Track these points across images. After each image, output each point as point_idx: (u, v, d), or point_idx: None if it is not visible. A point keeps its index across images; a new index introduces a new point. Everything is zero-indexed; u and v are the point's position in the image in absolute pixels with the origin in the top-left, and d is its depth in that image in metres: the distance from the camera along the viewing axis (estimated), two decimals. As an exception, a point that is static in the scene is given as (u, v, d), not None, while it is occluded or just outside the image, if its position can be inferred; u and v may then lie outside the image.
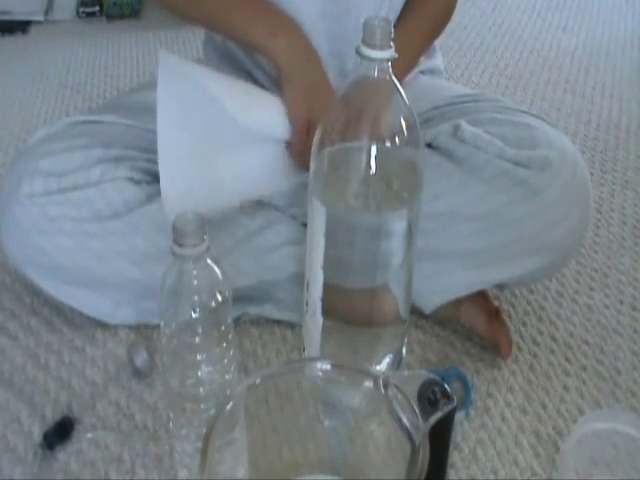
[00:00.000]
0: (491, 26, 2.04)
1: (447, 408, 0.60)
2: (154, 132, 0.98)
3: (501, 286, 0.98)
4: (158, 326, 0.69)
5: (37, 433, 0.83)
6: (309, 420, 0.72)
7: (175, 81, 0.81)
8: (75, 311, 0.98)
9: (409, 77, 1.05)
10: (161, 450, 0.82)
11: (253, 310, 0.98)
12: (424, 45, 1.04)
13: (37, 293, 1.02)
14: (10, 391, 0.89)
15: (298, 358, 0.91)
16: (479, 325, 0.95)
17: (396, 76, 0.69)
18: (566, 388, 0.92)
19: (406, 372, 0.85)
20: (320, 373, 0.68)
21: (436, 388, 0.60)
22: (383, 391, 0.62)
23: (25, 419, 0.86)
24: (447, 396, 0.60)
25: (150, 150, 0.97)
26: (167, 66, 0.80)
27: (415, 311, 0.91)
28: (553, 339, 0.99)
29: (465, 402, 0.87)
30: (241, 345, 0.96)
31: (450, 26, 1.05)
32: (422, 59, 1.09)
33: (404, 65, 0.95)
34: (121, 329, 0.98)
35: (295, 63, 0.86)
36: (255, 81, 1.07)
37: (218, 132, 0.82)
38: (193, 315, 0.66)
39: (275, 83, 1.05)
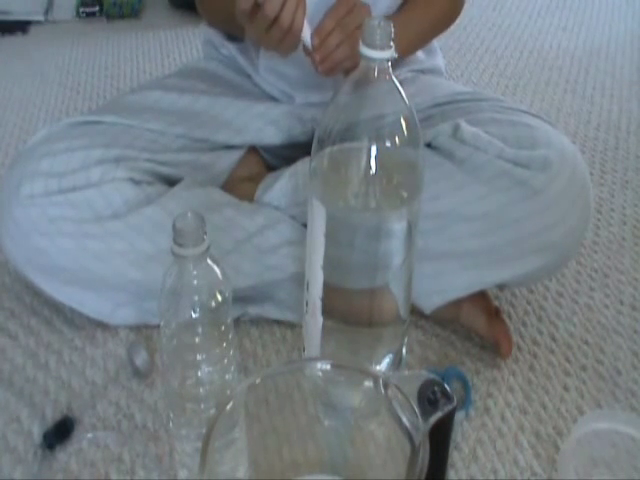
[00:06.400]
0: (491, 26, 2.04)
1: (447, 408, 0.60)
2: (154, 132, 0.99)
3: (501, 286, 0.98)
4: (158, 326, 0.69)
5: (37, 433, 0.84)
6: (309, 420, 0.72)
7: None
8: (75, 311, 0.98)
9: (408, 75, 1.05)
10: (161, 450, 0.82)
11: (253, 310, 0.98)
12: (422, 35, 1.02)
13: (37, 293, 1.02)
14: (10, 391, 0.89)
15: (298, 358, 0.91)
16: (479, 325, 0.95)
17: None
18: (566, 388, 0.92)
19: (406, 372, 0.85)
20: (320, 373, 0.68)
21: (436, 388, 0.60)
22: (383, 391, 0.62)
23: (25, 419, 0.86)
24: (447, 396, 0.60)
25: (150, 150, 0.97)
26: None
27: (415, 311, 0.91)
28: (553, 339, 0.99)
29: (465, 402, 0.87)
30: (241, 345, 0.96)
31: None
32: (422, 57, 1.09)
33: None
34: (121, 329, 0.98)
35: None
36: (253, 84, 1.07)
37: None
38: (193, 315, 0.66)
39: (274, 87, 1.05)
